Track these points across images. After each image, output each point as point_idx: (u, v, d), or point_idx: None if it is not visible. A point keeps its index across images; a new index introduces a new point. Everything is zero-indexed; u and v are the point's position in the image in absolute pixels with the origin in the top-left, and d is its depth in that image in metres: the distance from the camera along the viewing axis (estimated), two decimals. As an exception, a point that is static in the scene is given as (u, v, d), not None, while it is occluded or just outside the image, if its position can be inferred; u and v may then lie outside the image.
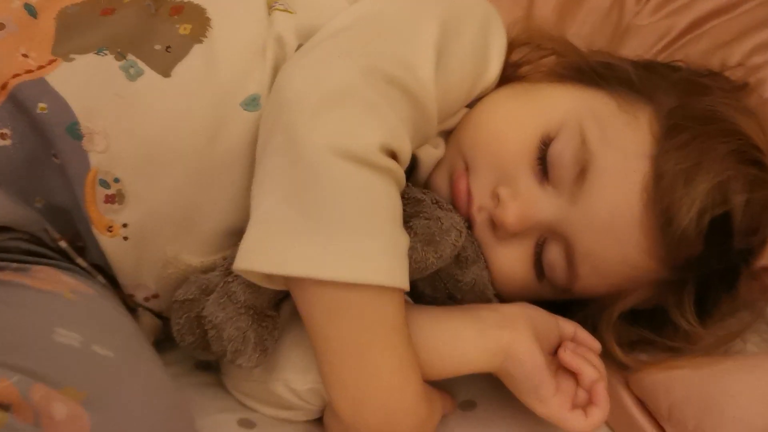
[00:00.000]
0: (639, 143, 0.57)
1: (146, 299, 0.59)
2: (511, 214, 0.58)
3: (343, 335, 0.50)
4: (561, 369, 0.58)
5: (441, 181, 0.63)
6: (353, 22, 0.58)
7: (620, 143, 0.58)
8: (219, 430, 0.55)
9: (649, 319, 0.62)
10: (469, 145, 0.62)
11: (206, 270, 0.59)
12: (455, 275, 0.60)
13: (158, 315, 0.61)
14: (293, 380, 0.56)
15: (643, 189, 0.56)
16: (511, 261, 0.61)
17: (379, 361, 0.50)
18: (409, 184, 0.61)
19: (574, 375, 0.58)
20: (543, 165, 0.59)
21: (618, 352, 0.60)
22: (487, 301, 0.62)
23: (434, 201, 0.59)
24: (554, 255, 0.60)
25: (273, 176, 0.51)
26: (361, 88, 0.52)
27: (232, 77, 0.58)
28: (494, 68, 0.63)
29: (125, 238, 0.56)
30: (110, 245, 0.56)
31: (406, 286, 0.51)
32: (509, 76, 0.66)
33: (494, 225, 0.60)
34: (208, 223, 0.58)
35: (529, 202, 0.59)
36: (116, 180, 0.56)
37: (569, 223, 0.58)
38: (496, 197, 0.59)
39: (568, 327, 0.60)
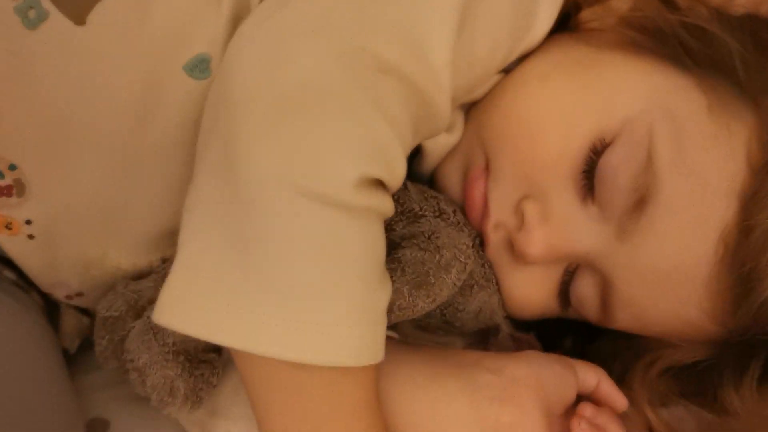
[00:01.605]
0: (727, 173, 0.41)
1: (68, 297, 0.48)
2: (536, 243, 0.44)
3: (290, 418, 0.38)
4: None
5: (453, 176, 0.48)
6: None
7: (701, 168, 0.41)
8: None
9: (689, 378, 0.49)
10: (493, 137, 0.46)
11: (139, 274, 0.46)
12: (456, 303, 0.47)
13: (86, 311, 0.50)
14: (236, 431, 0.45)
15: (720, 240, 0.41)
16: (530, 288, 0.47)
17: None
18: (408, 183, 0.46)
19: None
20: (589, 179, 0.43)
21: (650, 414, 0.48)
22: (494, 326, 0.50)
23: (437, 213, 0.45)
24: (586, 290, 0.46)
25: (207, 204, 0.37)
26: (337, 83, 0.36)
27: (173, 29, 0.41)
28: (543, 23, 0.46)
29: (30, 237, 0.44)
30: (12, 245, 0.44)
31: (379, 358, 0.38)
32: (567, 16, 0.48)
33: (513, 247, 0.46)
34: (139, 224, 0.44)
35: (562, 228, 0.44)
36: (12, 167, 0.42)
37: (612, 263, 0.44)
38: (520, 214, 0.45)
39: (590, 377, 0.47)
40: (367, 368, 0.38)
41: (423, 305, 0.42)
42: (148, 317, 0.42)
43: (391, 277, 0.41)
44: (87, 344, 0.50)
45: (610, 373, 0.49)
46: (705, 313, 0.43)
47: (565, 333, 0.54)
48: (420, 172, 0.49)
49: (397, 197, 0.44)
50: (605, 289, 0.45)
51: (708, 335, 0.45)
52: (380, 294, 0.38)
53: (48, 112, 0.41)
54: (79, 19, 0.40)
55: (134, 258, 0.45)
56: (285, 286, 0.35)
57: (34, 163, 0.42)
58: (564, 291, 0.47)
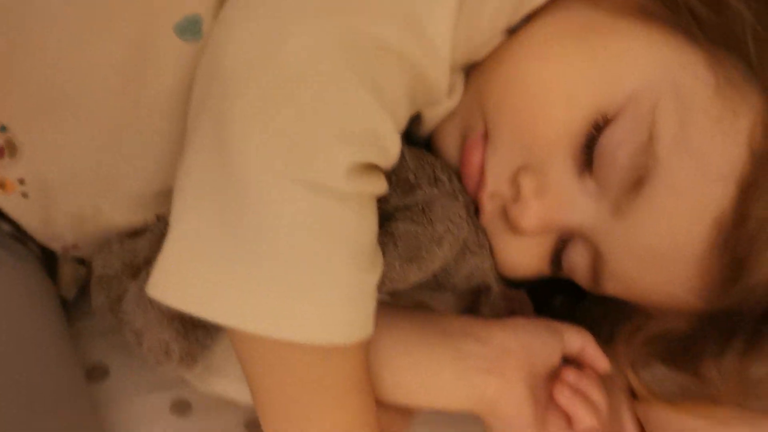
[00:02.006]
0: (728, 158, 0.40)
1: (64, 249, 0.48)
2: (531, 216, 0.44)
3: (284, 393, 0.39)
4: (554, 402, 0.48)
5: (451, 140, 0.47)
6: None
7: (702, 152, 0.40)
8: (148, 418, 0.48)
9: (672, 345, 0.50)
10: (493, 105, 0.44)
11: (134, 230, 0.47)
12: (447, 268, 0.47)
13: (83, 260, 0.50)
14: (232, 390, 0.47)
15: (715, 224, 0.41)
16: (523, 254, 0.47)
17: (328, 425, 0.40)
18: (404, 149, 0.45)
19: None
20: (589, 153, 0.43)
21: (632, 377, 0.50)
22: (486, 288, 0.51)
23: (432, 181, 0.45)
24: (578, 259, 0.46)
25: (199, 183, 0.37)
26: (332, 67, 0.35)
27: None
28: None
29: (24, 195, 0.44)
30: (6, 203, 0.44)
31: (369, 334, 0.39)
32: None
33: (507, 216, 0.46)
34: (132, 183, 0.44)
35: (558, 201, 0.43)
36: (2, 129, 0.41)
37: (606, 237, 0.44)
38: (516, 185, 0.44)
39: (576, 341, 0.48)
40: (356, 346, 0.39)
41: (414, 277, 0.43)
42: (143, 282, 0.43)
43: (383, 250, 0.42)
44: (86, 289, 0.51)
45: (598, 332, 0.51)
46: (693, 292, 0.43)
47: (556, 290, 0.55)
48: (418, 133, 0.48)
49: (393, 166, 0.44)
50: (596, 260, 0.46)
51: (695, 310, 0.45)
52: (371, 274, 0.38)
53: (36, 74, 0.40)
54: (65, -24, 0.39)
55: (129, 215, 0.46)
56: (276, 267, 0.36)
57: (24, 124, 0.41)
58: (556, 258, 0.47)
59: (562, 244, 0.47)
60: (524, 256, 0.47)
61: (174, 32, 0.40)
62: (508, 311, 0.55)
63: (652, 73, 0.42)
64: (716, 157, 0.40)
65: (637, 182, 0.41)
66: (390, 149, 0.37)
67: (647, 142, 0.41)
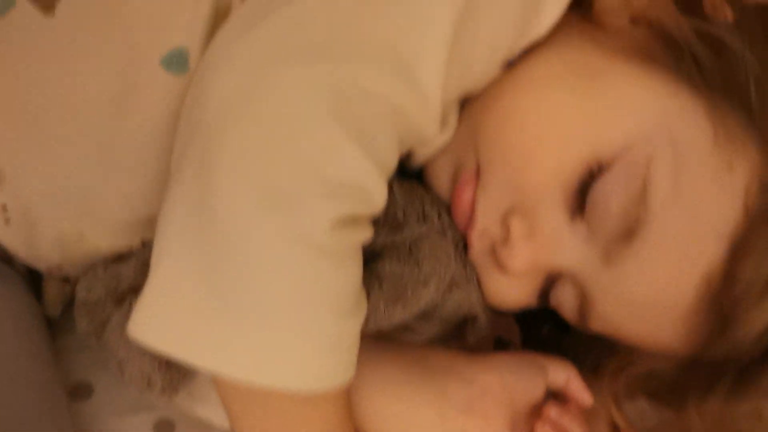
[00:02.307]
0: (721, 215, 0.39)
1: (49, 269, 0.48)
2: (519, 259, 0.43)
3: None
4: None
5: (442, 175, 0.46)
6: None
7: (695, 206, 0.40)
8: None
9: (656, 383, 0.49)
10: (486, 144, 0.43)
11: (119, 255, 0.46)
12: (433, 302, 0.47)
13: (69, 278, 0.50)
14: (215, 416, 0.47)
15: (704, 280, 0.40)
16: (510, 290, 0.47)
17: None
18: (394, 183, 0.45)
19: None
20: (581, 198, 0.42)
21: (615, 412, 0.49)
22: (472, 317, 0.50)
23: (421, 217, 0.44)
24: (566, 297, 0.46)
25: (182, 227, 0.36)
26: (317, 118, 0.34)
27: (148, 21, 0.39)
28: (552, 12, 0.42)
29: (6, 221, 0.43)
30: (-12, 228, 0.43)
31: (349, 379, 0.39)
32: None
33: (495, 255, 0.45)
34: (116, 210, 0.44)
35: (548, 244, 0.43)
36: (-15, 157, 0.41)
37: (594, 282, 0.43)
38: (506, 226, 0.44)
39: (560, 376, 0.48)
40: (336, 392, 0.39)
41: (399, 318, 0.43)
42: (126, 311, 0.43)
43: (368, 290, 0.41)
44: (72, 305, 0.51)
45: (583, 363, 0.51)
46: (679, 341, 0.43)
47: (543, 319, 0.55)
48: (410, 165, 0.47)
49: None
50: (584, 301, 0.45)
51: (680, 354, 0.45)
52: (353, 319, 0.38)
53: (20, 102, 0.39)
54: (47, 7, 0.38)
55: (113, 240, 0.45)
56: (255, 317, 0.35)
57: (7, 152, 0.41)
58: (544, 294, 0.47)
59: (550, 281, 0.46)
60: (512, 292, 0.47)
61: (161, 65, 0.39)
62: (493, 337, 0.56)
63: (650, 121, 0.41)
64: (710, 214, 0.39)
65: (629, 232, 0.41)
66: (376, 200, 0.37)
67: (641, 193, 0.40)
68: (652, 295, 0.42)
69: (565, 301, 0.46)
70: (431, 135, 0.40)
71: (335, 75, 0.35)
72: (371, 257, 0.43)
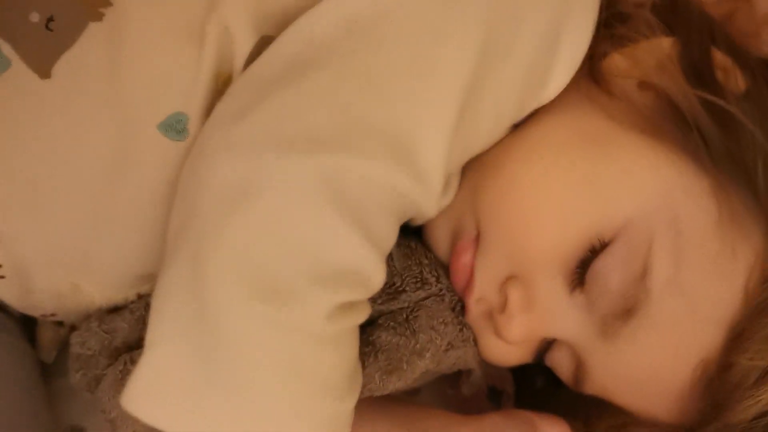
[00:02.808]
0: (720, 302, 0.39)
1: (44, 316, 0.47)
2: (516, 329, 0.43)
3: None
4: None
5: (442, 238, 0.45)
6: (333, 38, 0.35)
7: (694, 291, 0.39)
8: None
9: None
10: (487, 209, 0.43)
11: (114, 307, 0.46)
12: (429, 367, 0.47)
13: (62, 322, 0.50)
14: None
15: (699, 366, 0.40)
16: (506, 352, 0.46)
17: None
18: (393, 246, 0.44)
19: None
20: (581, 273, 0.41)
21: None
22: (467, 372, 0.50)
23: (418, 283, 0.44)
24: (561, 362, 0.46)
25: (177, 310, 0.35)
26: (314, 206, 0.34)
27: (146, 86, 0.38)
28: (559, 79, 0.41)
29: (1, 277, 0.43)
30: (-18, 283, 0.43)
31: None
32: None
33: (492, 320, 0.45)
34: (111, 268, 0.43)
35: (545, 315, 0.43)
36: (-21, 216, 0.40)
37: (590, 353, 0.43)
38: (504, 294, 0.43)
39: None
40: None
41: (393, 387, 0.42)
42: (120, 370, 0.42)
43: (364, 361, 0.41)
44: (65, 347, 0.50)
45: (576, 416, 0.51)
46: (672, 419, 0.43)
47: (538, 370, 0.55)
48: (409, 223, 0.47)
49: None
50: (579, 367, 0.45)
51: (675, 427, 0.45)
52: (347, 400, 0.38)
53: (15, 165, 0.39)
54: (44, 71, 0.37)
55: (108, 293, 0.45)
56: (249, 402, 0.35)
57: (3, 212, 0.40)
58: (540, 355, 0.47)
59: (546, 345, 0.46)
60: (508, 353, 0.47)
61: (159, 130, 0.38)
62: (487, 386, 0.56)
63: (654, 198, 0.40)
64: (709, 300, 0.39)
65: (627, 311, 0.40)
66: (375, 282, 0.36)
67: (641, 274, 0.40)
68: (646, 373, 0.41)
69: (560, 364, 0.46)
70: (432, 211, 0.40)
71: (334, 164, 0.34)
72: (367, 323, 0.42)
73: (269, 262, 0.34)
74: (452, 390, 0.54)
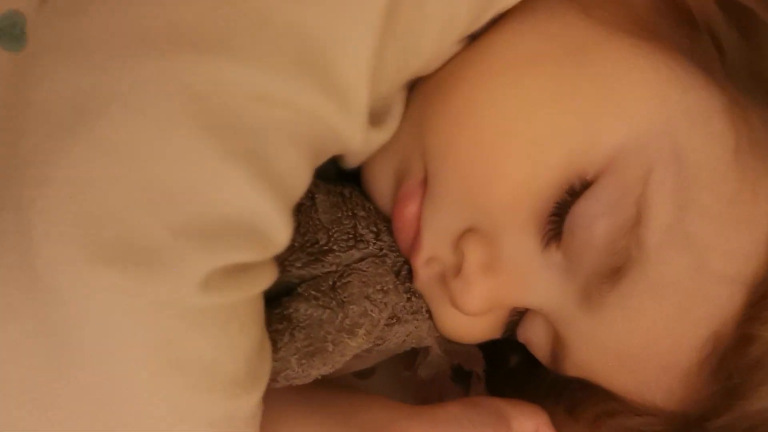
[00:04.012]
0: (737, 257, 0.30)
1: None
2: (475, 298, 0.33)
3: None
4: None
5: (383, 179, 0.36)
6: None
7: (703, 243, 0.30)
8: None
9: None
10: (437, 147, 0.33)
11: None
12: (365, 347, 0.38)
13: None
14: None
15: (711, 337, 0.31)
16: (468, 325, 0.37)
17: None
18: (318, 195, 0.35)
19: None
20: (558, 222, 0.32)
21: None
22: (423, 350, 0.41)
23: (351, 240, 0.34)
24: (536, 336, 0.37)
25: (4, 277, 0.26)
26: (181, 130, 0.24)
27: None
28: None
29: None
30: None
31: None
32: None
33: (446, 286, 0.35)
34: None
35: (512, 277, 0.33)
36: None
37: (570, 326, 0.34)
38: (460, 252, 0.34)
39: (527, 427, 0.39)
40: None
41: (317, 373, 0.33)
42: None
43: (277, 339, 0.32)
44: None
45: (558, 401, 0.42)
46: (672, 401, 0.34)
47: (512, 346, 0.46)
48: (344, 164, 0.37)
49: (299, 222, 0.34)
50: (557, 343, 0.36)
51: (674, 414, 0.36)
52: (248, 396, 0.28)
53: None
54: None
55: None
56: (112, 403, 0.26)
57: None
58: (510, 328, 0.38)
59: (517, 316, 0.37)
60: (470, 327, 0.37)
61: None
62: (451, 367, 0.46)
63: (650, 123, 0.31)
64: (721, 255, 0.30)
65: (616, 270, 0.31)
66: (276, 239, 0.27)
67: (633, 221, 0.30)
68: (641, 348, 0.32)
69: (535, 339, 0.37)
70: (357, 143, 0.30)
71: (210, 72, 0.24)
72: (283, 291, 0.33)
73: (117, 208, 0.24)
74: (408, 372, 0.45)
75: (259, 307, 0.29)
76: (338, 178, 0.38)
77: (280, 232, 0.27)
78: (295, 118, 0.26)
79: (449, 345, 0.43)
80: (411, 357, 0.45)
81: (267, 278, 0.28)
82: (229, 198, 0.25)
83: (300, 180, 0.28)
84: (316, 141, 0.28)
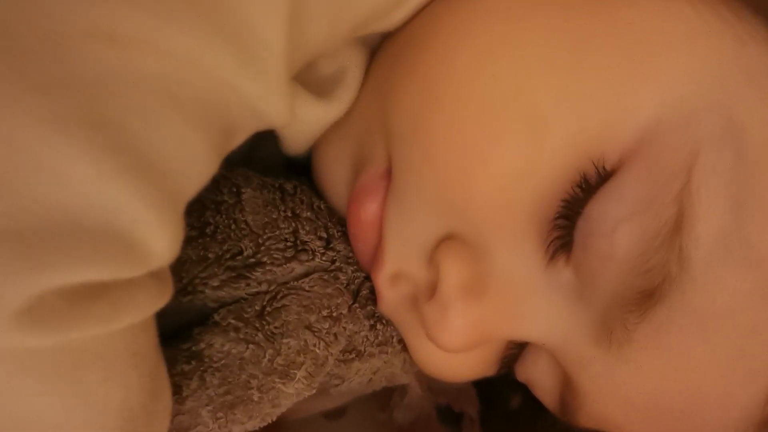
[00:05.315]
0: None
1: None
2: (454, 332, 0.25)
3: None
4: None
5: (338, 171, 0.28)
6: None
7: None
8: None
9: None
10: (402, 132, 0.25)
11: None
12: (328, 378, 0.29)
13: None
14: None
15: None
16: (450, 361, 0.29)
17: None
18: (247, 189, 0.26)
19: None
20: (567, 229, 0.24)
21: None
22: (400, 389, 0.33)
23: (291, 250, 0.26)
24: (540, 376, 0.28)
25: None
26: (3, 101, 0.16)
27: None
28: None
29: None
30: None
31: None
32: None
33: (419, 312, 0.27)
34: None
35: (505, 306, 0.25)
36: None
37: (585, 370, 0.25)
38: (435, 267, 0.25)
39: None
40: None
41: (242, 429, 0.25)
42: None
43: (183, 385, 0.24)
44: None
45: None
46: None
47: (513, 385, 0.37)
48: (288, 149, 0.29)
49: (216, 225, 0.25)
50: (567, 389, 0.27)
51: None
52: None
53: None
54: None
55: None
56: None
57: None
58: (508, 363, 0.29)
59: (516, 349, 0.28)
60: (454, 363, 0.29)
61: None
62: (435, 407, 0.38)
63: (696, 86, 0.22)
64: None
65: (647, 296, 0.23)
66: (148, 243, 0.19)
67: (672, 227, 0.22)
68: (680, 401, 0.24)
69: (538, 380, 0.29)
70: (281, 116, 0.22)
71: (50, 14, 0.16)
72: (198, 320, 0.25)
73: None
74: (384, 413, 0.36)
75: (143, 342, 0.21)
76: (289, 172, 0.30)
77: (158, 237, 0.18)
78: (175, 75, 0.18)
79: (434, 381, 0.35)
80: (386, 395, 0.36)
81: (148, 302, 0.20)
82: (65, 186, 0.17)
83: (193, 164, 0.20)
84: (218, 111, 0.20)
